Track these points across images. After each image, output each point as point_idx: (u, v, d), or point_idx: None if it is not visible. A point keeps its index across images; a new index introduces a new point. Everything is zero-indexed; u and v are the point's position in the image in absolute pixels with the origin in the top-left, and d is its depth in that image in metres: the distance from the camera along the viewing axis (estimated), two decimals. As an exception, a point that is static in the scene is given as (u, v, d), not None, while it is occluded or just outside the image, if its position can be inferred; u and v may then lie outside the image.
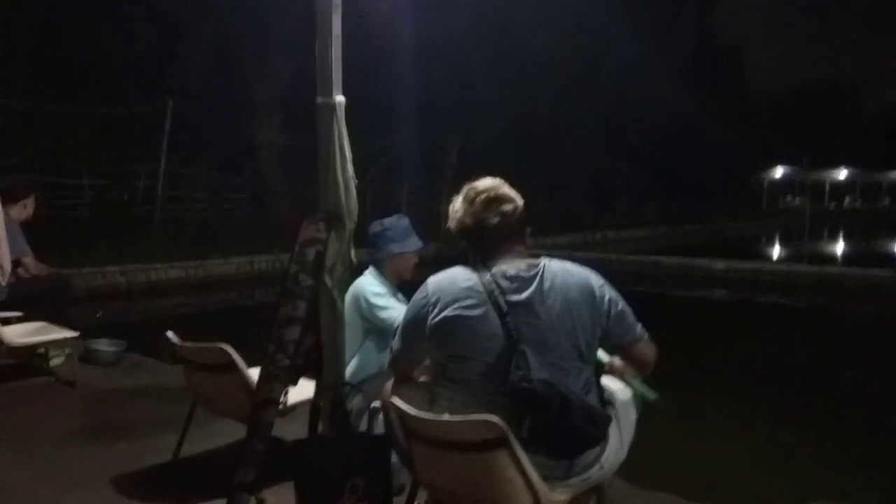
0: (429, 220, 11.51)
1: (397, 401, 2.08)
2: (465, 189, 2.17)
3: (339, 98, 2.42)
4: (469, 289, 2.02)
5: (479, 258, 2.09)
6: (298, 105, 15.80)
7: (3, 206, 4.62)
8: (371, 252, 3.24)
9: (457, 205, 2.16)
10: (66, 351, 4.62)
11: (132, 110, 13.72)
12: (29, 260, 4.90)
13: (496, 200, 2.09)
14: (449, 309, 2.03)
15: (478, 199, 2.10)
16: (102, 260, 10.11)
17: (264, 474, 2.44)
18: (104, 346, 4.89)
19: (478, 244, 2.11)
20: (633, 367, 2.20)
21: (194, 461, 3.15)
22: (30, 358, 4.56)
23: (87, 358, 4.76)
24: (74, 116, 13.45)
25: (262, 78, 16.25)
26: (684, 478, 3.75)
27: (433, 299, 2.07)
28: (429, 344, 2.13)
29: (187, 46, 14.70)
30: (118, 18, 14.53)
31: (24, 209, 5.01)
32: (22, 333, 4.28)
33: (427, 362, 2.30)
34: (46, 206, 5.19)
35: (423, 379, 2.33)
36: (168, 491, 2.82)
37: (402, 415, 2.06)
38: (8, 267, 4.59)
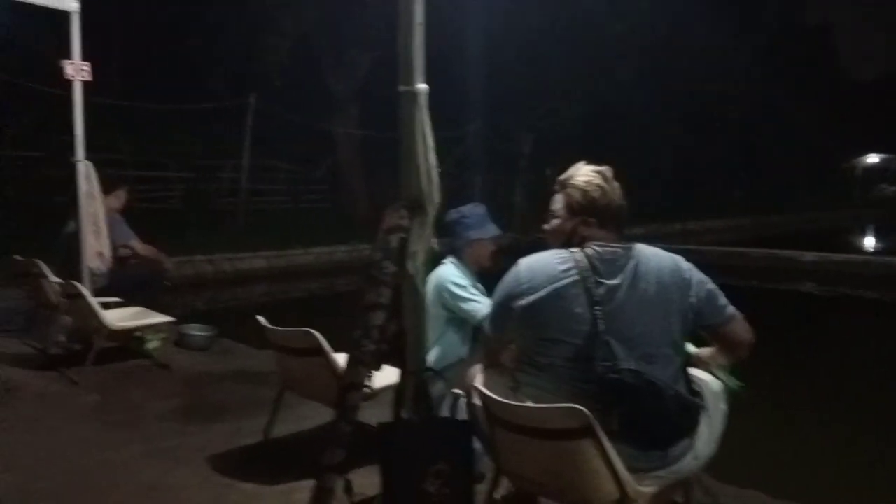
0: (503, 210, 11.48)
1: (481, 387, 2.10)
2: (601, 169, 2.15)
3: (422, 86, 2.45)
4: (563, 271, 2.01)
5: (575, 241, 2.08)
6: (375, 98, 16.06)
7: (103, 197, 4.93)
8: (449, 241, 3.27)
9: (583, 178, 2.13)
10: (162, 335, 4.88)
11: (217, 106, 14.25)
12: (136, 243, 5.20)
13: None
14: (541, 291, 2.02)
15: (612, 178, 2.11)
16: (191, 250, 10.56)
17: (351, 456, 2.52)
18: (196, 331, 5.13)
19: (611, 225, 2.09)
20: (728, 349, 2.14)
21: (284, 442, 3.27)
22: (128, 342, 4.83)
23: (181, 342, 5.01)
24: (164, 113, 14.09)
25: (339, 72, 16.55)
26: (773, 476, 3.62)
27: (525, 280, 2.07)
28: (519, 327, 2.13)
29: (268, 42, 15.12)
30: (204, 17, 15.10)
31: (118, 199, 5.31)
32: (121, 318, 4.55)
33: (512, 348, 2.32)
34: (139, 199, 5.50)
35: (507, 364, 2.34)
36: (260, 470, 2.94)
37: (485, 401, 2.08)
38: (108, 255, 4.90)
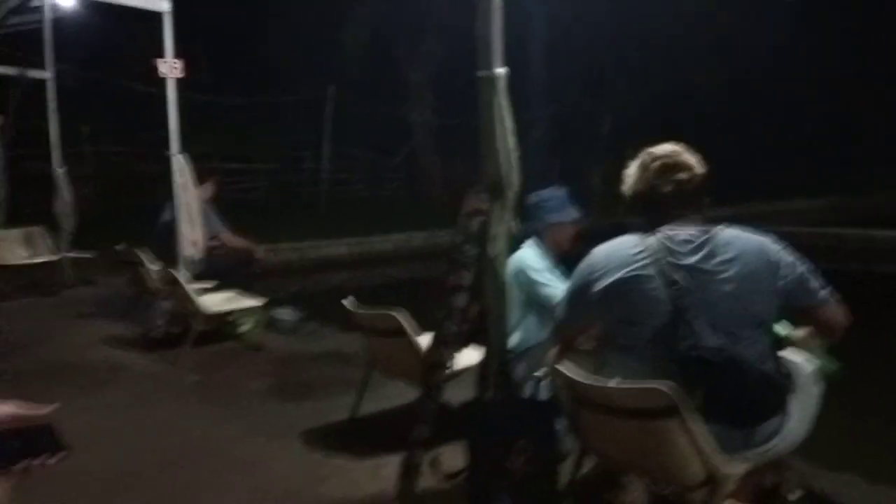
0: (582, 194, 11.31)
1: (565, 367, 2.12)
2: (642, 154, 2.14)
3: (500, 70, 2.47)
4: (637, 254, 2.01)
5: (649, 225, 2.07)
6: (451, 85, 16.12)
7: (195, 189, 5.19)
8: (529, 225, 3.29)
9: (631, 170, 2.14)
10: (254, 319, 5.12)
11: (298, 98, 14.67)
12: (226, 235, 5.47)
13: (672, 168, 2.05)
14: (616, 275, 2.02)
15: (652, 166, 2.07)
16: (277, 238, 10.97)
17: (438, 433, 2.60)
18: (286, 314, 5.35)
19: (649, 211, 2.08)
20: (821, 331, 2.08)
21: (371, 419, 3.39)
22: (222, 325, 5.09)
23: (271, 325, 5.23)
24: (247, 107, 14.62)
25: (414, 60, 16.70)
26: (871, 460, 3.47)
27: (600, 266, 2.08)
28: (595, 311, 2.14)
29: (346, 34, 15.44)
30: (284, 13, 15.54)
31: (206, 191, 5.58)
32: (216, 302, 4.79)
33: (592, 330, 2.32)
34: (226, 191, 5.80)
35: (588, 346, 2.35)
36: (349, 445, 3.06)
37: (569, 382, 2.10)
38: (203, 243, 5.16)
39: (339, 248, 12.18)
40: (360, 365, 4.17)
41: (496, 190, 2.51)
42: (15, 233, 7.24)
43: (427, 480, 2.61)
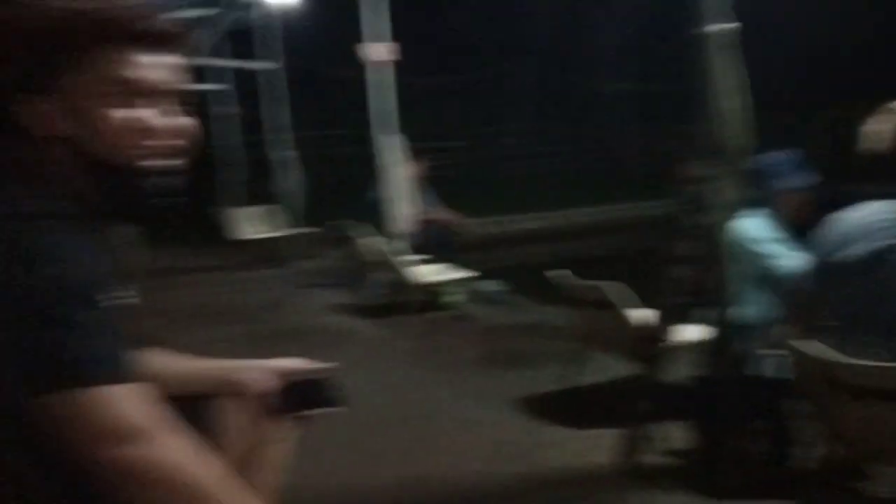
0: (818, 157, 10.25)
1: (809, 346, 1.96)
2: (887, 110, 1.90)
3: (721, 27, 2.31)
4: (884, 221, 1.79)
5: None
6: (650, 49, 15.36)
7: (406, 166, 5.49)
8: (755, 191, 3.05)
9: (879, 126, 1.90)
10: (461, 290, 5.34)
11: (494, 73, 14.89)
12: (436, 208, 5.77)
13: None
14: (859, 246, 1.82)
15: None
16: (479, 213, 11.26)
17: (658, 408, 2.54)
18: (491, 286, 5.50)
19: None
20: None
21: (582, 391, 3.38)
22: (432, 295, 5.36)
23: (478, 297, 5.41)
24: (446, 85, 15.12)
25: (611, 25, 16.16)
26: None
27: (844, 237, 1.89)
28: (838, 285, 1.95)
29: (539, 5, 15.34)
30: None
31: (416, 167, 5.87)
32: (427, 273, 5.06)
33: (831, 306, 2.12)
34: (431, 168, 6.12)
35: (825, 323, 2.15)
36: (563, 415, 3.10)
37: (817, 361, 1.93)
38: (413, 218, 5.46)
39: (536, 221, 12.23)
40: (567, 337, 4.17)
41: (715, 155, 2.37)
42: (254, 210, 8.19)
43: (649, 456, 2.56)
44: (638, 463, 2.52)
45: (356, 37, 5.51)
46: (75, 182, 1.00)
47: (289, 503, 1.37)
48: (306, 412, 1.31)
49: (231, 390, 1.31)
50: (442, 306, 5.27)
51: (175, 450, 0.90)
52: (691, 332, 2.88)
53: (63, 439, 0.86)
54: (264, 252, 7.91)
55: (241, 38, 8.34)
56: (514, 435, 2.97)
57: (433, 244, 5.56)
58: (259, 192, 9.48)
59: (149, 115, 1.02)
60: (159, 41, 1.02)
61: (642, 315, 2.75)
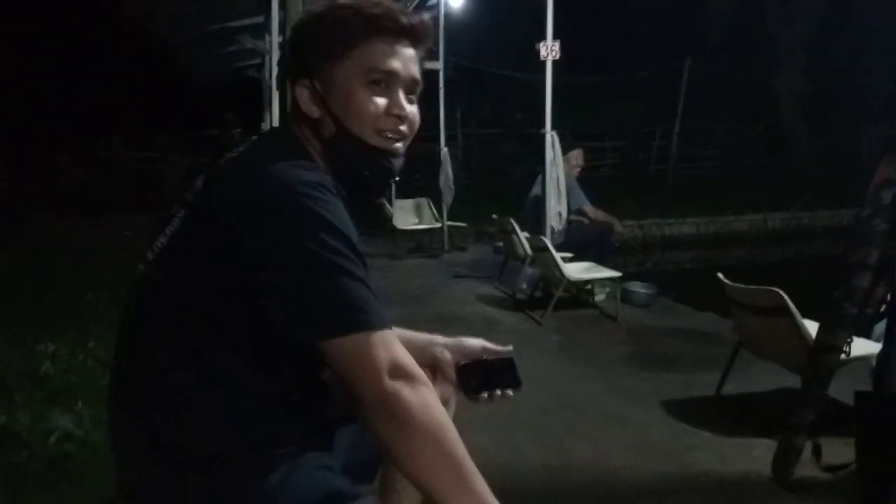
0: None
1: None
2: None
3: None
4: None
5: None
6: (827, 44, 14.22)
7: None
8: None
9: None
10: (608, 290, 5.32)
11: (652, 72, 14.45)
12: (588, 207, 5.79)
13: None
14: None
15: None
16: (623, 215, 11.06)
17: (821, 421, 2.44)
18: (639, 288, 5.43)
19: None
20: None
21: (737, 399, 3.30)
22: (579, 292, 5.39)
23: (625, 297, 5.36)
24: (601, 84, 14.88)
25: (785, 19, 15.13)
26: None
27: None
28: None
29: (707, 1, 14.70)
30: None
31: (574, 163, 5.90)
32: (576, 271, 5.08)
33: None
34: (589, 168, 6.12)
35: None
36: (715, 421, 3.03)
37: None
38: (565, 215, 5.50)
39: (686, 227, 11.78)
40: (719, 344, 4.09)
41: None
42: (407, 203, 8.59)
43: (805, 469, 2.48)
44: (790, 475, 2.44)
45: (515, 37, 5.62)
46: (319, 161, 1.18)
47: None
48: (488, 392, 1.34)
49: (423, 362, 1.41)
50: (589, 304, 5.28)
51: (432, 398, 1.03)
52: (870, 347, 2.74)
53: (344, 373, 1.01)
54: (419, 242, 8.28)
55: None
56: (663, 435, 2.96)
57: (583, 243, 5.58)
58: (413, 186, 9.93)
59: (402, 101, 1.18)
60: (412, 35, 1.18)
61: (814, 325, 2.64)
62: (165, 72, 11.99)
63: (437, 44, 7.85)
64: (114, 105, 14.33)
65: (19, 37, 14.22)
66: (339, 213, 1.05)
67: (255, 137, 1.22)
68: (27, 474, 2.37)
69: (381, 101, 1.16)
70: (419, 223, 8.37)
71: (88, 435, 2.61)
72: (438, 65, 7.73)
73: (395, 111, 1.17)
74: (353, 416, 1.27)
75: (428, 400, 1.01)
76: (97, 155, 12.80)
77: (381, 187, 1.24)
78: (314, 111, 1.17)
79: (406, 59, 1.18)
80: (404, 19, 1.16)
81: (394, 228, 8.05)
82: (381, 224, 8.49)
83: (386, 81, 1.16)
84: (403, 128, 1.19)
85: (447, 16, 8.25)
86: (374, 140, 1.17)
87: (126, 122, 13.75)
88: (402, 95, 1.18)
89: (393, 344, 1.02)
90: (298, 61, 1.18)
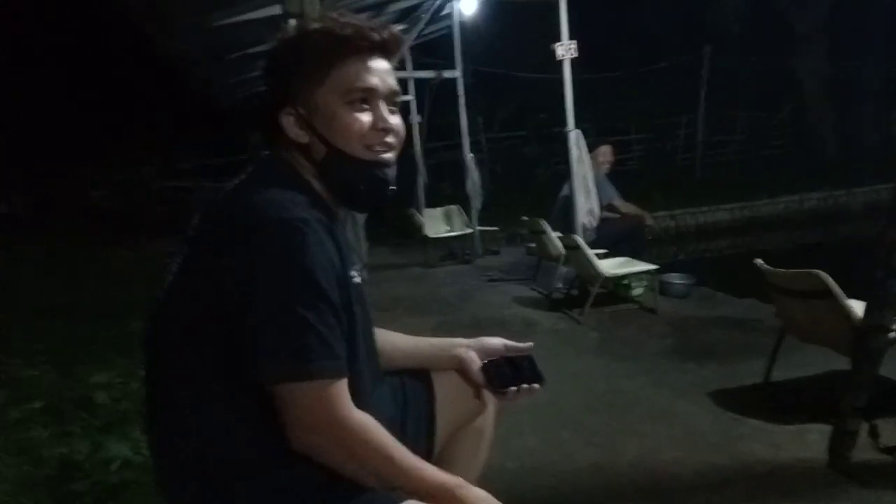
0: None
1: None
2: None
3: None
4: None
5: None
6: (846, 28, 13.94)
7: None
8: None
9: None
10: (645, 283, 5.27)
11: (671, 64, 14.33)
12: (618, 202, 5.76)
13: None
14: None
15: None
16: (654, 206, 10.95)
17: (874, 403, 2.40)
18: (676, 279, 5.38)
19: None
20: None
21: (785, 385, 3.26)
22: (616, 288, 5.35)
23: (662, 290, 5.31)
24: (622, 79, 14.79)
25: (803, 4, 14.88)
26: None
27: None
28: None
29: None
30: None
31: (603, 159, 5.89)
32: (611, 266, 5.05)
33: None
34: (615, 163, 6.10)
35: None
36: (764, 409, 2.99)
37: None
38: (597, 212, 5.48)
39: (719, 213, 11.62)
40: (762, 330, 4.04)
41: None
42: (437, 211, 8.63)
43: (862, 452, 2.43)
44: (848, 460, 2.40)
45: (531, 39, 5.64)
46: (314, 183, 1.21)
47: (488, 479, 1.47)
48: (511, 388, 1.38)
49: (448, 365, 1.46)
50: (627, 299, 5.25)
51: (356, 438, 1.10)
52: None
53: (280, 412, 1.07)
54: (451, 249, 8.31)
55: (417, 50, 8.78)
56: (712, 427, 2.93)
57: (615, 238, 5.55)
58: (440, 195, 9.97)
59: (386, 115, 1.22)
60: (384, 49, 1.22)
61: (859, 304, 2.59)
62: (194, 102, 12.25)
63: (453, 52, 7.91)
64: (143, 133, 14.66)
65: (51, 66, 14.64)
66: (312, 255, 1.07)
67: (250, 167, 1.24)
68: (87, 502, 2.44)
69: (366, 118, 1.20)
70: (450, 230, 8.40)
71: (147, 461, 2.68)
72: (457, 73, 7.76)
73: (381, 125, 1.21)
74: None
75: (350, 441, 1.09)
76: (127, 181, 13.13)
77: (380, 198, 1.26)
78: (302, 136, 1.20)
79: (383, 73, 1.21)
80: (375, 35, 1.19)
81: (425, 237, 8.09)
82: (412, 233, 8.55)
83: (367, 98, 1.20)
84: (390, 139, 1.23)
85: (462, 23, 8.27)
86: (365, 155, 1.21)
87: (156, 150, 14.09)
88: (384, 109, 1.22)
89: (328, 397, 1.07)
90: (279, 89, 1.21)
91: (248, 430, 1.11)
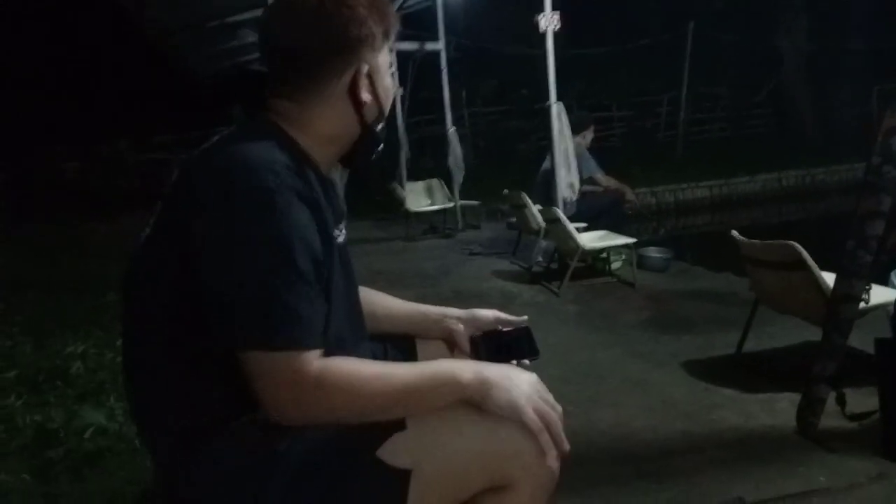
0: None
1: None
2: None
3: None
4: None
5: None
6: (827, 6, 13.98)
7: (572, 136, 5.53)
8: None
9: None
10: (623, 257, 5.32)
11: (655, 41, 14.29)
12: (600, 176, 5.79)
13: None
14: None
15: None
16: (634, 183, 10.99)
17: (843, 372, 2.44)
18: (654, 253, 5.43)
19: None
20: None
21: (757, 356, 3.31)
22: (595, 261, 5.39)
23: (640, 264, 5.35)
24: (604, 56, 14.73)
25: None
26: None
27: None
28: None
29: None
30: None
31: (584, 139, 5.91)
32: (591, 240, 5.09)
33: None
34: (597, 138, 6.10)
35: None
36: (736, 379, 3.04)
37: None
38: (577, 186, 5.49)
39: (699, 190, 11.72)
40: (737, 303, 4.09)
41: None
42: (419, 185, 8.60)
43: (829, 419, 2.49)
44: (815, 427, 2.45)
45: (515, 13, 5.60)
46: (300, 139, 1.20)
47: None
48: (504, 362, 1.31)
49: (437, 335, 1.45)
50: (605, 273, 5.29)
51: (331, 405, 1.06)
52: (886, 294, 2.74)
53: (248, 381, 1.04)
54: (432, 223, 8.30)
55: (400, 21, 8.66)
56: (686, 396, 2.97)
57: (596, 212, 5.57)
58: (422, 168, 9.93)
59: (389, 79, 1.26)
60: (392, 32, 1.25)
61: (832, 276, 2.64)
62: (169, 74, 12.05)
63: (437, 25, 7.83)
64: (118, 108, 14.42)
65: (24, 41, 14.30)
66: (282, 222, 1.04)
67: (233, 127, 1.23)
68: (62, 469, 2.43)
69: (384, 88, 1.26)
70: (432, 204, 8.39)
71: (122, 428, 2.68)
72: (439, 45, 7.69)
73: (389, 92, 1.27)
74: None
75: (321, 409, 1.06)
76: (103, 157, 12.94)
77: (373, 156, 1.30)
78: (367, 97, 1.22)
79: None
80: (396, 21, 1.26)
81: (407, 211, 8.07)
82: (394, 207, 8.53)
83: (371, 75, 1.23)
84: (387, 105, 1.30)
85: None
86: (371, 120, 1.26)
87: (132, 125, 13.86)
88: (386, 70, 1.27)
89: (297, 367, 1.03)
90: (338, 47, 1.19)
91: (217, 390, 1.11)
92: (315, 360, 1.04)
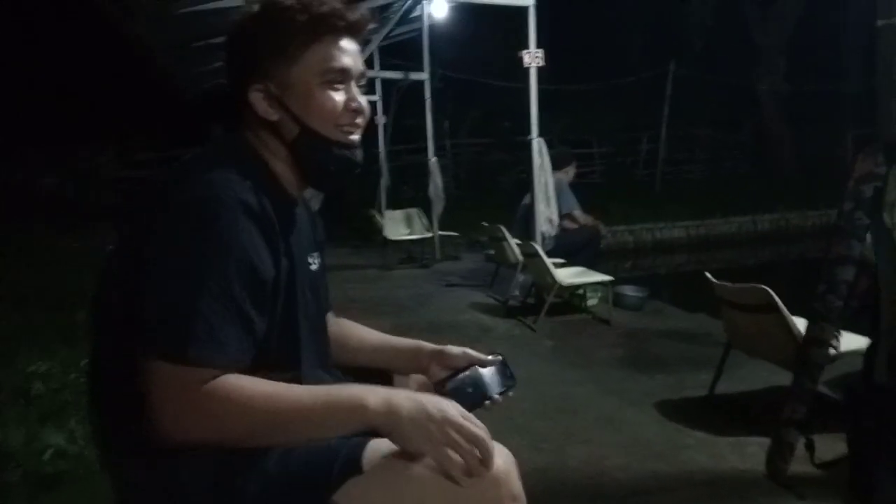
0: None
1: None
2: None
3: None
4: None
5: None
6: (805, 49, 14.40)
7: (553, 171, 5.60)
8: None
9: None
10: (600, 294, 5.34)
11: (637, 78, 14.59)
12: (577, 212, 5.84)
13: None
14: None
15: None
16: (612, 220, 11.12)
17: (812, 417, 2.46)
18: (630, 291, 5.46)
19: None
20: None
21: (729, 398, 3.32)
22: (571, 297, 5.41)
23: (616, 301, 5.38)
24: (586, 92, 15.00)
25: (766, 24, 15.32)
26: None
27: None
28: None
29: (689, 6, 14.88)
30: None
31: (566, 174, 5.99)
32: (568, 275, 5.10)
33: None
34: (577, 174, 6.17)
35: None
36: (708, 421, 3.05)
37: None
38: (556, 221, 5.53)
39: (675, 230, 11.85)
40: (710, 344, 4.12)
41: (894, 152, 2.28)
42: (398, 213, 8.61)
43: (799, 465, 2.49)
44: (785, 472, 2.45)
45: (500, 47, 5.69)
46: (274, 163, 1.20)
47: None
48: (488, 399, 1.29)
49: (410, 370, 1.42)
50: (581, 309, 5.30)
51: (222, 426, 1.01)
52: (859, 342, 2.76)
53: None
54: (410, 252, 8.29)
55: (384, 51, 8.76)
56: (657, 435, 2.97)
57: (573, 248, 5.60)
58: (402, 197, 9.96)
59: (357, 95, 1.22)
60: (356, 30, 1.21)
61: (803, 321, 2.66)
62: (156, 92, 12.00)
63: (422, 55, 7.92)
64: (101, 121, 14.31)
65: (11, 52, 14.19)
66: (223, 240, 1.02)
67: (203, 147, 1.22)
68: (19, 493, 2.35)
69: (340, 98, 1.19)
70: (410, 233, 8.38)
71: (83, 451, 2.60)
72: (424, 75, 7.77)
73: (353, 105, 1.20)
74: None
75: (208, 427, 1.01)
76: (82, 170, 12.79)
77: (346, 179, 1.26)
78: (272, 114, 1.18)
79: (354, 54, 1.21)
80: (350, 15, 1.18)
81: (385, 239, 8.06)
82: (371, 235, 8.52)
83: (341, 78, 1.19)
84: (359, 120, 1.23)
85: (432, 27, 8.30)
86: (337, 135, 1.20)
87: (113, 140, 13.75)
88: (355, 89, 1.22)
89: (194, 384, 0.99)
90: (248, 64, 1.18)
91: None
92: (215, 380, 1.01)
